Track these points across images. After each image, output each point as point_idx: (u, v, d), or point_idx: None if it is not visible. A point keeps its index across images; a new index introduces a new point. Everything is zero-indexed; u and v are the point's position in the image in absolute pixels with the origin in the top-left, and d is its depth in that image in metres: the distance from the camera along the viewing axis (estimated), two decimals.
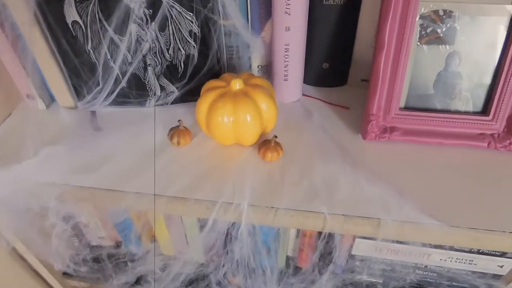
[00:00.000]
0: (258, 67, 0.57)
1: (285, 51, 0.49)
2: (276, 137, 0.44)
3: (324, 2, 0.48)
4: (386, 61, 0.44)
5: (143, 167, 0.45)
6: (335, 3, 0.48)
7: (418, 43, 0.44)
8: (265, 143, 0.45)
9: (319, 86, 0.59)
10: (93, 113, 0.53)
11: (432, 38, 0.44)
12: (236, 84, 0.43)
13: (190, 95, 0.53)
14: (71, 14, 0.44)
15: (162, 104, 0.54)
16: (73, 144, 0.48)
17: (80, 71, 0.49)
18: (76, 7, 0.43)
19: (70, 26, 0.45)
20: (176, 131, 0.47)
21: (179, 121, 0.47)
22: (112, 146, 0.48)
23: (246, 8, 0.50)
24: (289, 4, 0.44)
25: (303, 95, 0.56)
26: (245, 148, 0.47)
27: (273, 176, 0.43)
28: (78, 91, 0.52)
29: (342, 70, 0.57)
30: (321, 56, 0.55)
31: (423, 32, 0.44)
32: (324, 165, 0.44)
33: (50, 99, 0.56)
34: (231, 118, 0.42)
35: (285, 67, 0.51)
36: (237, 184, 0.42)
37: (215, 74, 0.51)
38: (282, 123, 0.50)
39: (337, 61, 0.55)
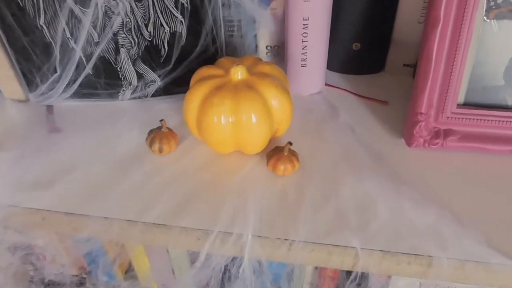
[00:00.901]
0: (266, 48, 0.57)
1: (304, 28, 0.48)
2: (290, 144, 0.43)
3: None
4: (441, 42, 0.42)
5: (114, 183, 0.44)
6: None
7: (485, 18, 0.42)
8: (276, 152, 0.44)
9: (348, 73, 0.59)
10: (49, 108, 0.53)
11: (503, 11, 0.42)
12: (238, 73, 0.42)
13: (177, 86, 0.53)
14: None
15: (139, 97, 0.54)
16: (22, 150, 0.47)
17: (30, 53, 0.49)
18: None
19: None
20: (157, 134, 0.46)
21: (161, 121, 0.46)
22: (74, 153, 0.47)
23: None
24: None
25: (326, 85, 0.56)
26: (249, 158, 0.46)
27: (287, 196, 0.42)
28: (29, 80, 0.52)
29: (378, 52, 0.57)
30: (351, 33, 0.54)
31: (492, 3, 0.42)
32: (355, 182, 0.43)
33: None
34: (230, 119, 0.41)
35: (303, 48, 0.50)
36: (239, 207, 0.41)
37: (210, 58, 0.51)
38: (298, 124, 0.49)
39: (371, 40, 0.55)
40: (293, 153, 0.43)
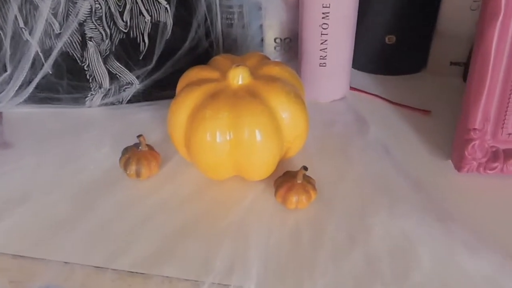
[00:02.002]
0: (275, 41, 0.58)
1: (324, 17, 0.49)
2: (306, 169, 0.43)
3: None
4: (502, 38, 0.41)
5: (78, 217, 0.43)
6: None
7: None
8: (286, 179, 0.43)
9: (379, 74, 0.59)
10: None
11: None
12: (238, 77, 0.43)
13: (160, 90, 0.54)
14: None
15: (112, 103, 0.55)
16: None
17: None
18: None
19: None
20: (134, 154, 0.46)
21: (139, 137, 0.46)
22: (27, 177, 0.47)
23: None
24: None
25: (352, 88, 0.57)
26: (253, 186, 0.46)
27: (300, 236, 0.41)
28: None
29: (418, 47, 0.58)
30: (384, 23, 0.55)
31: None
32: (390, 218, 0.42)
33: None
34: (228, 136, 0.41)
35: (322, 43, 0.51)
36: (238, 251, 0.40)
37: (202, 55, 0.52)
38: (315, 141, 0.50)
39: (409, 31, 0.56)
40: (308, 181, 0.43)
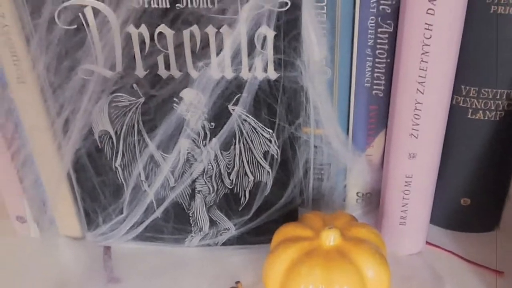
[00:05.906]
0: (357, 194, 0.61)
1: (406, 185, 0.52)
2: None
3: (469, 116, 0.52)
4: None
5: None
6: (486, 118, 0.52)
7: None
8: None
9: (454, 230, 0.61)
10: (107, 251, 0.58)
11: None
12: (330, 238, 0.46)
13: (253, 236, 0.57)
14: (101, 122, 0.51)
15: (208, 244, 0.59)
16: None
17: (98, 193, 0.56)
18: (109, 114, 0.51)
19: (97, 137, 0.52)
20: None
21: (237, 283, 0.50)
22: None
23: (348, 113, 0.55)
24: (417, 125, 0.48)
25: (427, 243, 0.58)
26: None
27: None
28: (90, 218, 0.58)
29: (491, 209, 0.59)
30: (460, 188, 0.57)
31: None
32: None
33: (47, 223, 0.62)
34: None
35: (403, 206, 0.54)
36: None
37: (293, 210, 0.56)
38: None
39: (483, 195, 0.58)
40: None
